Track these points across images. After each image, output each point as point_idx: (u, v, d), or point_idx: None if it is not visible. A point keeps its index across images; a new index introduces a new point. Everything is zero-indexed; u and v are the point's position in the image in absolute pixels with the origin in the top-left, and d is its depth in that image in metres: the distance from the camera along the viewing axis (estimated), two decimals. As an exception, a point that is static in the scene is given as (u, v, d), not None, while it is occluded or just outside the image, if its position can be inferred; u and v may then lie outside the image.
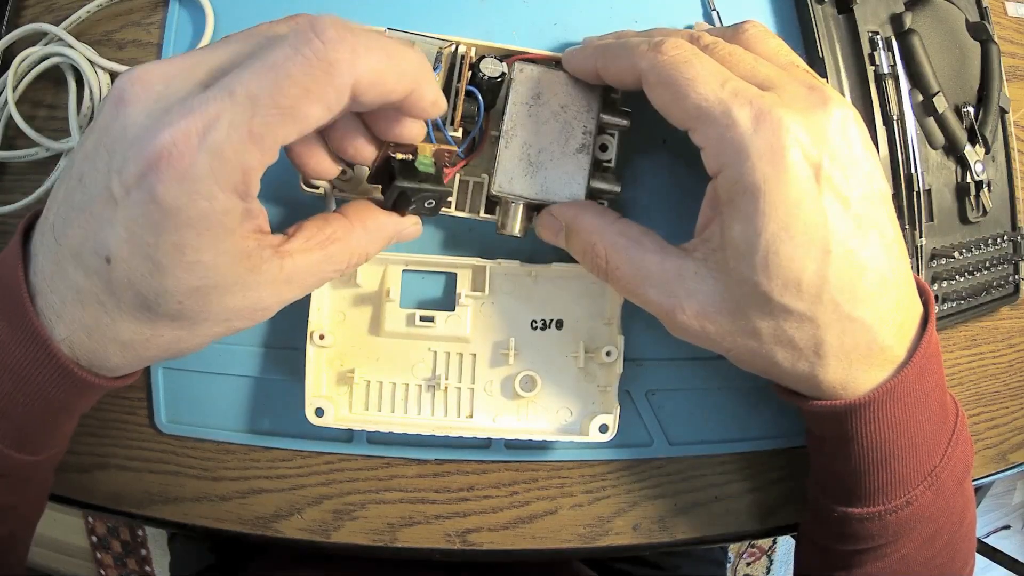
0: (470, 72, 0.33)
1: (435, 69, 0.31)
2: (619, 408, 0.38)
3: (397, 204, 0.32)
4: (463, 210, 0.37)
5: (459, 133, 0.35)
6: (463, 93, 0.33)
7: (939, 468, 0.33)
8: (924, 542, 0.35)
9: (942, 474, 0.33)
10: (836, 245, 0.28)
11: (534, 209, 0.36)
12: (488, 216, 0.37)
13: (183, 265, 0.24)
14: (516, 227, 0.36)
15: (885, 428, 0.31)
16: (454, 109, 0.33)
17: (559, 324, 0.39)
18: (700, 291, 0.30)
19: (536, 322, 0.39)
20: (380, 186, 0.33)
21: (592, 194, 0.36)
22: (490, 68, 0.33)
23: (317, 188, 0.35)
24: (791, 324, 0.29)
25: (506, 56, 0.35)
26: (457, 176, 0.36)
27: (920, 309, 0.32)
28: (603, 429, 0.38)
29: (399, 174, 0.31)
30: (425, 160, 0.32)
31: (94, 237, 0.24)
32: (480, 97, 0.34)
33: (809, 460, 0.38)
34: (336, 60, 0.22)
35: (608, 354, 0.38)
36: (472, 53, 0.34)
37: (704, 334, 0.31)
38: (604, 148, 0.37)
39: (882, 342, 0.30)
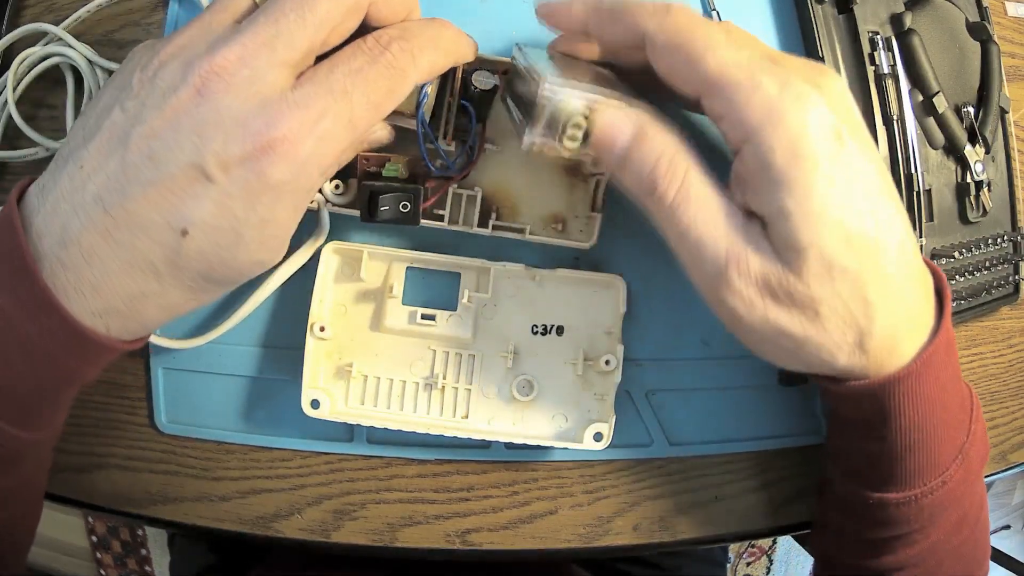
0: (462, 84, 0.33)
1: (427, 83, 0.31)
2: (615, 417, 0.38)
3: (371, 209, 0.33)
4: (457, 223, 0.37)
5: (452, 147, 0.35)
6: (455, 107, 0.33)
7: (967, 444, 0.33)
8: (952, 529, 0.35)
9: (969, 451, 0.33)
10: (870, 202, 0.28)
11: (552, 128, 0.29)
12: (481, 229, 0.37)
13: (261, 238, 0.27)
14: (569, 140, 0.29)
15: (923, 402, 0.31)
16: (447, 123, 0.33)
17: (560, 330, 0.39)
18: (762, 250, 0.29)
19: (537, 327, 0.39)
20: None
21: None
22: (482, 81, 0.33)
23: (311, 203, 0.37)
24: (844, 285, 0.28)
25: (500, 68, 0.34)
26: (451, 190, 0.37)
27: (930, 275, 0.32)
28: (598, 438, 0.38)
29: (363, 177, 0.33)
30: (392, 168, 0.33)
31: (171, 210, 0.26)
32: (472, 110, 0.33)
33: (830, 448, 0.37)
34: (404, 66, 0.27)
35: (607, 363, 0.38)
36: (464, 66, 0.33)
37: (748, 301, 0.29)
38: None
39: (918, 303, 0.30)
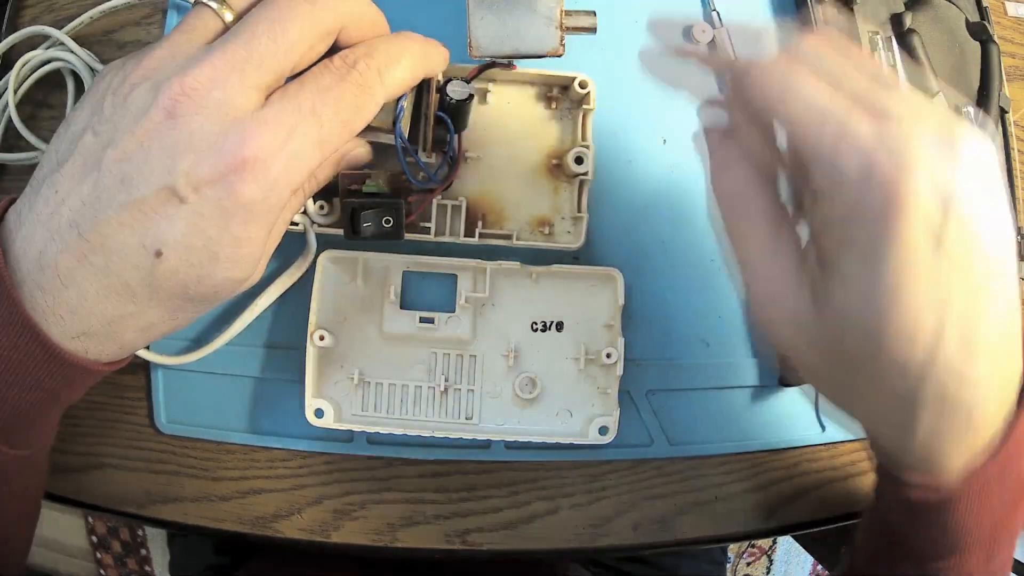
0: (438, 96, 0.33)
1: (402, 96, 0.31)
2: (619, 410, 0.38)
3: (354, 226, 0.33)
4: (443, 234, 0.37)
5: (432, 159, 0.35)
6: (432, 119, 0.33)
7: None
8: None
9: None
10: (961, 297, 0.24)
11: None
12: (468, 239, 0.37)
13: (236, 256, 0.27)
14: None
15: (987, 516, 0.28)
16: (425, 136, 0.33)
17: (559, 326, 0.39)
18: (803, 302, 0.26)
19: (537, 324, 0.39)
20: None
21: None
22: (457, 91, 0.33)
23: (296, 224, 0.37)
24: (898, 380, 0.25)
25: (473, 76, 0.35)
26: (435, 202, 0.37)
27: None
28: (603, 431, 0.38)
29: (345, 195, 0.32)
30: (372, 184, 0.33)
31: (144, 232, 0.26)
32: (450, 121, 0.33)
33: (865, 540, 0.34)
34: (372, 84, 0.28)
35: (608, 356, 0.38)
36: (439, 77, 0.33)
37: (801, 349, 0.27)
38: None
39: (984, 408, 0.26)
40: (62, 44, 0.38)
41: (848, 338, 0.26)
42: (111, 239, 0.26)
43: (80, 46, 0.38)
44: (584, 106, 0.38)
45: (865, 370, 0.26)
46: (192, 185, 0.25)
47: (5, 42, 0.39)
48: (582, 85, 0.37)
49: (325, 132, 0.27)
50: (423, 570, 0.48)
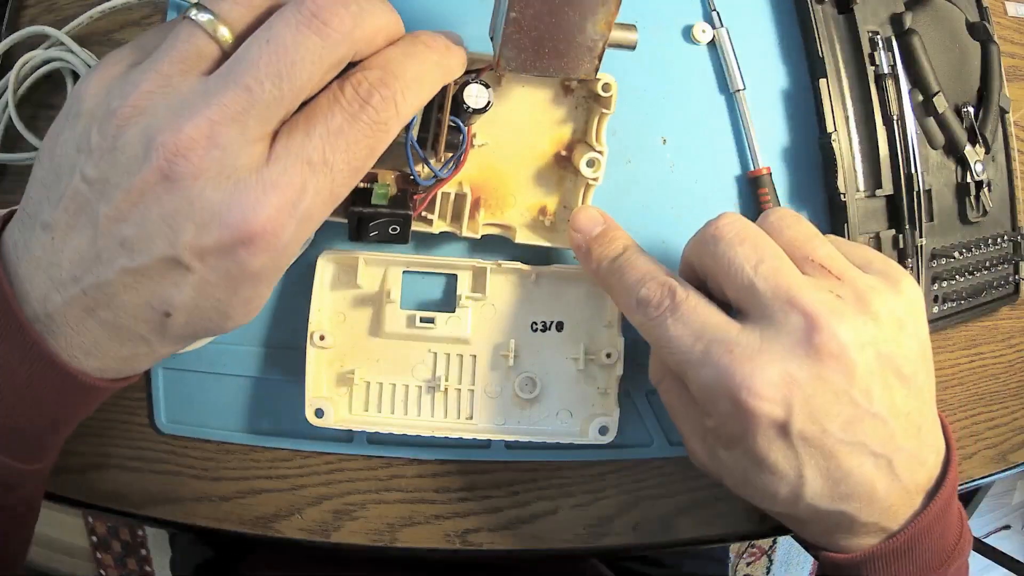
0: (452, 101, 0.31)
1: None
2: (619, 410, 0.38)
3: (360, 232, 0.32)
4: (445, 220, 0.37)
5: (442, 163, 0.34)
6: (446, 124, 0.31)
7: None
8: None
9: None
10: (815, 457, 0.30)
11: None
12: (471, 233, 0.37)
13: (246, 311, 0.27)
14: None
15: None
16: (436, 140, 0.32)
17: (559, 326, 0.39)
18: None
19: (536, 324, 0.39)
20: None
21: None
22: (473, 100, 0.31)
23: None
24: (778, 511, 0.32)
25: (486, 64, 0.32)
26: (439, 191, 0.36)
27: (943, 447, 0.33)
28: (603, 431, 0.38)
29: (353, 201, 0.31)
30: (381, 189, 0.32)
31: (151, 295, 0.25)
32: (463, 129, 0.32)
33: None
34: (387, 119, 0.25)
35: (608, 356, 0.38)
36: (453, 81, 0.31)
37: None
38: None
39: (867, 512, 0.31)
40: (62, 44, 0.38)
41: (732, 485, 0.33)
42: (116, 299, 0.25)
43: (80, 46, 0.38)
44: (603, 109, 0.36)
45: (754, 500, 0.33)
46: (196, 255, 0.24)
47: (5, 42, 0.39)
48: (605, 88, 0.35)
49: (337, 184, 0.25)
50: (438, 570, 0.48)
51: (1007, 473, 0.46)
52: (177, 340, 0.27)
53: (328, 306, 0.38)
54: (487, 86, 0.32)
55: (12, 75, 0.38)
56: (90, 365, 0.27)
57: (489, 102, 0.31)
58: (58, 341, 0.26)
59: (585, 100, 0.37)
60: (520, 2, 0.27)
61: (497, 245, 0.38)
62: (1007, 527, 1.44)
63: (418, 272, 0.39)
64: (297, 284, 0.39)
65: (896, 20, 0.41)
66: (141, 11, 0.40)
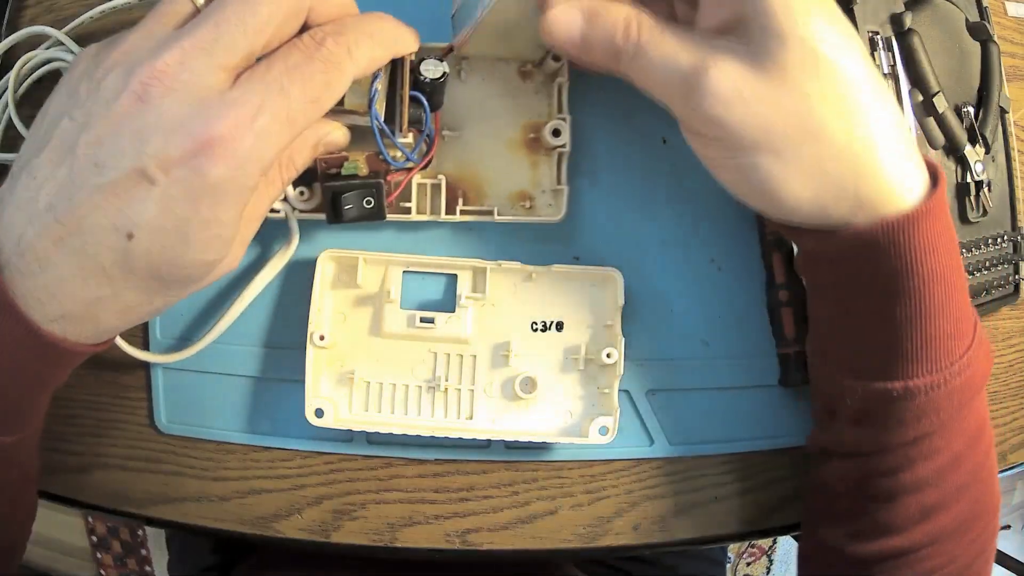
0: (412, 75, 0.33)
1: (376, 77, 0.31)
2: (619, 410, 0.38)
3: (335, 210, 0.33)
4: (424, 212, 0.37)
5: (410, 139, 0.35)
6: (407, 99, 0.33)
7: (979, 326, 0.32)
8: (972, 439, 0.33)
9: (983, 336, 0.32)
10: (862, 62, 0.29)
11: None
12: (450, 217, 0.37)
13: (206, 238, 0.28)
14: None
15: (943, 245, 0.30)
16: (401, 115, 0.33)
17: (559, 326, 0.39)
18: (737, 53, 0.29)
19: (536, 323, 0.39)
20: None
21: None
22: (431, 70, 0.33)
23: (278, 211, 0.37)
24: (829, 83, 0.28)
25: (446, 53, 0.35)
26: (415, 180, 0.37)
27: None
28: (603, 431, 0.38)
29: (324, 179, 0.33)
30: (351, 166, 0.33)
31: (116, 214, 0.26)
32: (425, 100, 0.33)
33: (821, 348, 0.35)
34: (341, 60, 0.28)
35: (608, 356, 0.38)
36: (412, 56, 0.33)
37: (726, 100, 0.29)
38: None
39: (910, 147, 0.30)
40: (62, 44, 0.38)
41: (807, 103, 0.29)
42: (85, 221, 0.26)
43: (80, 46, 0.38)
44: (559, 79, 0.37)
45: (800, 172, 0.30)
46: (161, 166, 0.26)
47: (5, 42, 0.39)
48: (555, 58, 0.37)
49: (294, 109, 0.27)
50: (421, 570, 0.48)
51: (1007, 473, 0.46)
52: (139, 278, 0.28)
53: (328, 306, 0.38)
54: (442, 60, 0.33)
55: (12, 75, 0.38)
56: (52, 311, 0.27)
57: (445, 72, 0.33)
58: (25, 283, 0.27)
59: (544, 84, 0.38)
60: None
61: (496, 243, 0.38)
62: (1007, 527, 1.44)
63: (418, 272, 0.39)
64: (297, 284, 0.39)
65: (896, 20, 0.41)
66: (141, 11, 0.40)
